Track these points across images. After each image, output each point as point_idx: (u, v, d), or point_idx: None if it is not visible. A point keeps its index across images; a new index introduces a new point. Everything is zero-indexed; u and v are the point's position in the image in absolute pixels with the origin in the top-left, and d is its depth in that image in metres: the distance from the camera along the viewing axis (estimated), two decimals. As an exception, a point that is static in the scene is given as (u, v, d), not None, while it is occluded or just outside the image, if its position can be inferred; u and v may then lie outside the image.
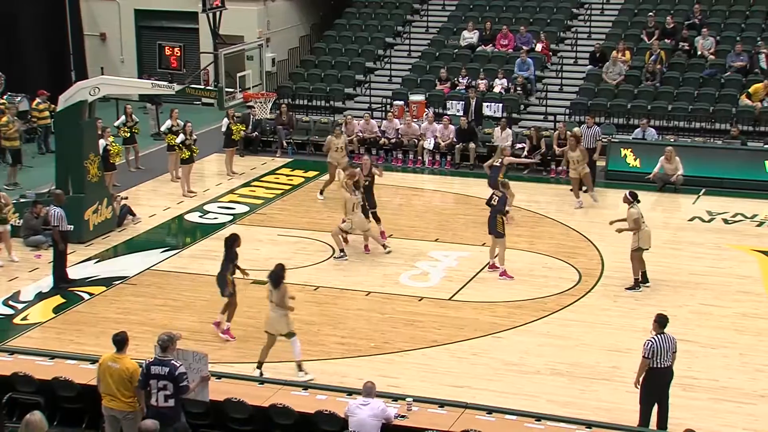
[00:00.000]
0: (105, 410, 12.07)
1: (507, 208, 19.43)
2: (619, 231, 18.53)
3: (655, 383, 13.12)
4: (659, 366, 13.01)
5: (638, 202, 18.27)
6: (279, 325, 14.79)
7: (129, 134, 25.78)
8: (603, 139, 24.43)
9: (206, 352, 12.62)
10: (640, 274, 18.28)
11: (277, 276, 14.75)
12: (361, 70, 31.15)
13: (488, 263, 19.17)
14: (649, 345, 12.98)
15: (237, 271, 16.41)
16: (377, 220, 20.69)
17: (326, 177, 23.85)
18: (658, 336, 13.04)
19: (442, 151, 26.57)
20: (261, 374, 14.67)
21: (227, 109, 24.78)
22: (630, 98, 28.00)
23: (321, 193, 23.53)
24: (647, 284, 18.28)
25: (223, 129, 26.03)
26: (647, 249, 18.22)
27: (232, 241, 16.39)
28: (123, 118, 26.10)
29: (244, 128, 26.53)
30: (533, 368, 15.27)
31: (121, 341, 11.96)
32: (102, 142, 22.35)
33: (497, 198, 18.95)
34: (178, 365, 11.63)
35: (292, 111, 29.10)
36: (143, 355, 12.97)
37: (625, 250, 20.06)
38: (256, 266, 18.52)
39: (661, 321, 13.17)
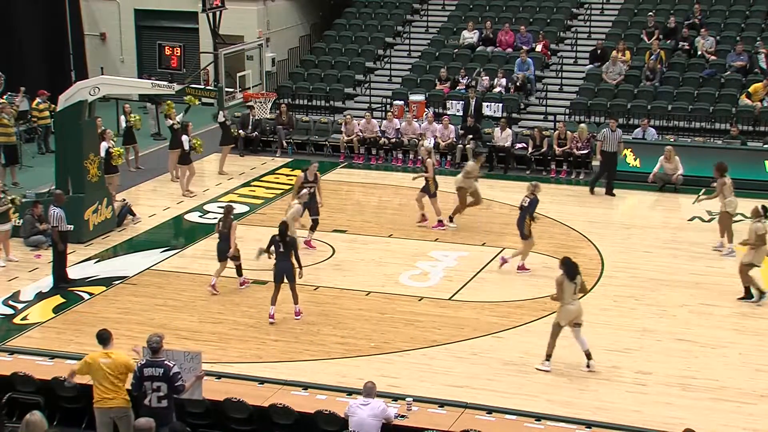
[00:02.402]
0: (98, 414, 12.03)
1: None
2: (743, 244, 17.98)
3: None
4: None
5: (767, 218, 17.73)
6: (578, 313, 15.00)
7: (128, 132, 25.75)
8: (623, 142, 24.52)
9: (205, 352, 12.63)
10: (751, 285, 17.64)
11: (575, 265, 14.96)
12: (361, 70, 31.14)
13: (519, 265, 19.13)
14: None
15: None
16: (313, 228, 20.28)
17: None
18: None
19: (442, 151, 26.57)
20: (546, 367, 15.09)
21: (222, 109, 24.50)
22: (630, 98, 27.98)
23: (451, 219, 21.75)
24: (754, 300, 17.62)
25: (220, 120, 25.70)
26: (759, 266, 17.70)
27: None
28: (123, 118, 26.13)
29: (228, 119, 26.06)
30: (533, 368, 15.26)
31: (105, 337, 12.17)
32: (104, 145, 22.32)
33: (529, 200, 18.94)
34: (171, 366, 11.67)
35: (292, 111, 29.08)
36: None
37: (624, 251, 20.13)
38: (255, 266, 18.52)
39: None
